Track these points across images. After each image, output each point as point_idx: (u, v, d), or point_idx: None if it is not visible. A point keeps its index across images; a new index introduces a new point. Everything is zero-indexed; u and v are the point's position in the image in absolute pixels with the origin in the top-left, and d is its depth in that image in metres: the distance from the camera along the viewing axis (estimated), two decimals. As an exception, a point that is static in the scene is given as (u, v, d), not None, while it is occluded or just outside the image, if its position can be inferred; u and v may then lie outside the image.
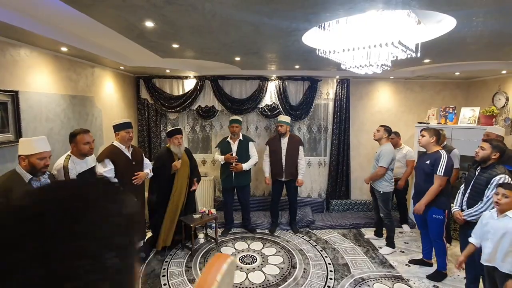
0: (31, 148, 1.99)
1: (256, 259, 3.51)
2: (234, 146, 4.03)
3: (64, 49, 2.80)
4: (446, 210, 3.04)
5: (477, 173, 2.62)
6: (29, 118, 2.62)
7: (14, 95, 2.45)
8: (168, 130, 3.78)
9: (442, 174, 2.91)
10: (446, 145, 3.74)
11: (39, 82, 2.75)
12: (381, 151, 3.62)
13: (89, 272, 0.28)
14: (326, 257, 3.59)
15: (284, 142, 4.13)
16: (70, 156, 2.49)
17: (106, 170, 2.87)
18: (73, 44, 2.64)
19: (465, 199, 2.66)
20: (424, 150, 3.22)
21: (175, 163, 3.55)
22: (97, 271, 0.28)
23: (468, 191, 2.65)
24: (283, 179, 4.13)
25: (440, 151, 3.03)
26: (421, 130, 3.20)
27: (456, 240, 3.78)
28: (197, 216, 3.69)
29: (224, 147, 4.07)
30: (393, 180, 3.71)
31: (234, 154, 3.99)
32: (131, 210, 0.35)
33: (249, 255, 3.62)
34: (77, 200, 0.32)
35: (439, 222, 3.03)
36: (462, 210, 2.67)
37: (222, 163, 4.05)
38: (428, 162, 3.03)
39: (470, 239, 2.32)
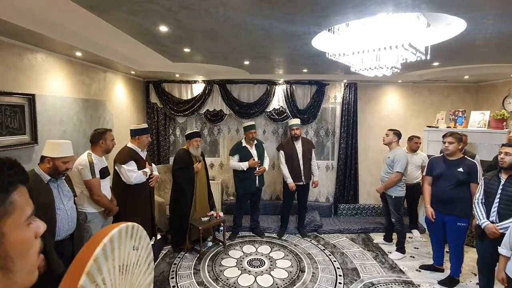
0: (58, 151, 2.06)
1: (264, 263, 3.50)
2: (253, 151, 4.07)
3: (78, 53, 2.88)
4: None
5: (502, 180, 2.42)
6: (44, 120, 2.69)
7: (31, 98, 2.52)
8: (188, 132, 3.85)
9: (479, 182, 2.77)
10: (465, 150, 3.61)
11: (54, 86, 2.83)
12: (396, 156, 3.52)
13: None
14: (334, 261, 3.56)
15: (299, 146, 4.13)
16: (90, 153, 2.60)
17: (134, 169, 2.94)
18: (87, 49, 2.72)
19: (493, 210, 2.43)
20: (434, 154, 3.15)
21: (197, 165, 3.66)
22: None
23: (497, 201, 2.42)
24: (301, 183, 4.11)
25: (467, 157, 2.95)
26: (445, 136, 2.99)
27: (467, 246, 3.72)
28: (205, 219, 3.71)
29: (244, 152, 4.05)
30: (405, 185, 3.66)
31: (256, 159, 4.04)
32: None
33: (257, 258, 3.61)
34: None
35: (463, 230, 2.95)
36: (491, 222, 2.45)
37: (245, 169, 3.97)
38: (461, 169, 2.88)
39: (501, 251, 2.16)
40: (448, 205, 2.97)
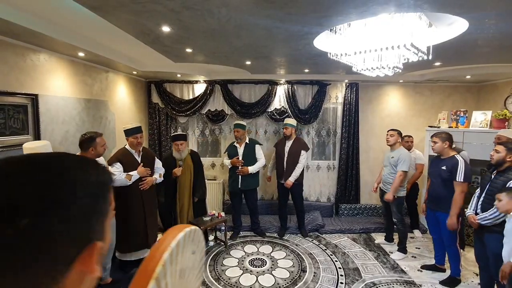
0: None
1: (266, 263, 3.51)
2: (240, 150, 4.07)
3: (81, 54, 2.89)
4: (459, 217, 2.98)
5: (493, 176, 2.57)
6: (47, 120, 2.71)
7: (34, 98, 2.54)
8: (172, 134, 3.85)
9: (462, 180, 2.86)
10: (455, 147, 3.68)
11: (56, 86, 2.84)
12: (400, 156, 3.54)
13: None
14: (336, 261, 3.57)
15: (288, 145, 4.15)
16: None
17: (116, 171, 2.90)
18: (90, 49, 2.73)
19: (479, 202, 2.61)
20: (435, 154, 3.19)
21: (175, 170, 3.59)
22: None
23: (483, 194, 2.59)
24: (283, 182, 4.15)
25: (456, 156, 2.98)
26: (432, 136, 3.14)
27: (470, 246, 3.72)
28: (207, 219, 3.72)
29: (231, 151, 4.11)
30: (406, 185, 3.68)
31: (240, 158, 4.03)
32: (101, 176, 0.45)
33: (259, 258, 3.62)
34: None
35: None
36: (476, 214, 2.61)
37: (229, 167, 4.10)
38: (444, 167, 2.97)
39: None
40: (435, 202, 3.07)
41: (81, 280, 0.41)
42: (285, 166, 4.11)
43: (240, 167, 3.99)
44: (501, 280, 2.14)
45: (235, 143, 4.13)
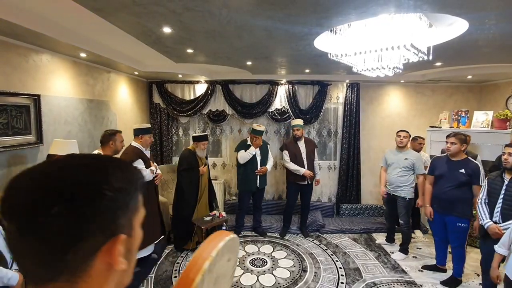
0: (67, 149, 2.19)
1: (267, 262, 3.52)
2: (257, 150, 4.10)
3: (83, 54, 2.91)
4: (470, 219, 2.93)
5: (506, 181, 2.42)
6: (49, 121, 2.73)
7: (36, 99, 2.56)
8: (197, 134, 3.95)
9: (482, 184, 2.76)
10: (467, 151, 3.62)
11: (59, 87, 2.87)
12: (416, 159, 3.51)
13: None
14: (337, 261, 3.57)
15: (302, 145, 4.17)
16: (100, 153, 2.60)
17: (142, 167, 2.99)
18: (92, 50, 2.75)
19: (497, 210, 2.44)
20: (435, 154, 3.15)
21: (203, 168, 3.72)
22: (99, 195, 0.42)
23: (501, 201, 2.43)
24: (305, 182, 4.14)
25: (471, 159, 2.93)
26: (449, 136, 2.99)
27: (470, 246, 3.71)
28: (208, 218, 3.73)
29: (247, 150, 4.10)
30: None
31: (258, 158, 4.10)
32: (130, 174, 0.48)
33: (260, 258, 3.63)
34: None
35: (464, 230, 2.94)
36: (495, 223, 2.45)
37: (253, 153, 3.99)
38: (463, 171, 2.88)
39: (497, 249, 2.18)
40: (448, 205, 2.98)
41: (108, 273, 0.44)
42: (306, 167, 4.11)
43: (259, 167, 4.09)
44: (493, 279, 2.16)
45: (249, 143, 4.09)
